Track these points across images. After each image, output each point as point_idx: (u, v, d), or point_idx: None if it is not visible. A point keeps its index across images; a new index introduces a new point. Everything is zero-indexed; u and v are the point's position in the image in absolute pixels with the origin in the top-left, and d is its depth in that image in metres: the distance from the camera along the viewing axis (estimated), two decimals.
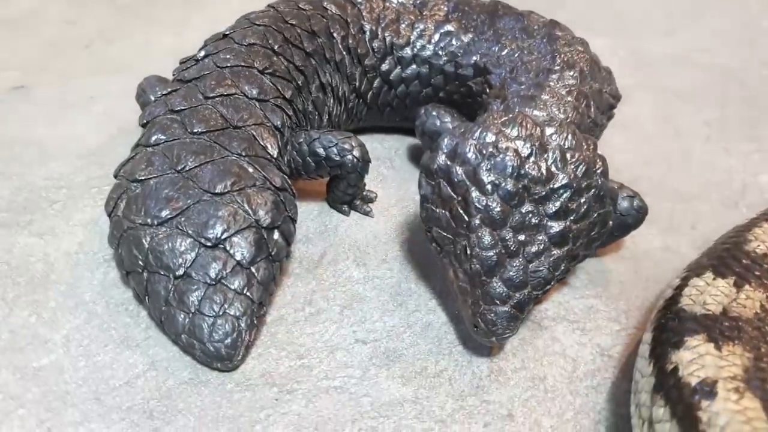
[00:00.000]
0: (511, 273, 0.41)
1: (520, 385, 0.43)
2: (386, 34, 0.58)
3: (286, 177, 0.48)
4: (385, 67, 0.59)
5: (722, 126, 0.67)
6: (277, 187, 0.46)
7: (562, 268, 0.42)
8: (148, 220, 0.43)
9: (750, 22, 0.85)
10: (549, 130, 0.43)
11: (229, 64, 0.50)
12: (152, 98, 0.52)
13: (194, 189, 0.44)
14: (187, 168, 0.44)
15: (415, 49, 0.58)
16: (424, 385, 0.42)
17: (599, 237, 0.44)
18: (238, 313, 0.41)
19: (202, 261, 0.42)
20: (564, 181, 0.41)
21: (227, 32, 0.54)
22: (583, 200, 0.42)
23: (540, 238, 0.41)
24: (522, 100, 0.45)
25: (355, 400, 0.41)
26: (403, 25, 0.59)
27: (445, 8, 0.59)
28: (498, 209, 0.41)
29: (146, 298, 0.43)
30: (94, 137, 0.61)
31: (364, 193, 0.55)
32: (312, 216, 0.54)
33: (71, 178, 0.56)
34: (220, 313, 0.41)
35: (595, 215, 0.42)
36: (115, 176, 0.47)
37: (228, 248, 0.42)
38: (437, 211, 0.43)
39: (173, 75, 0.53)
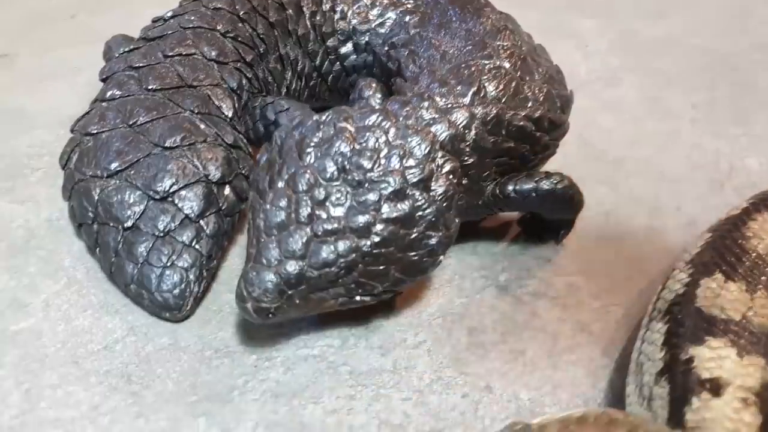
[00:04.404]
0: (290, 238, 0.38)
1: (498, 359, 0.43)
2: (353, 17, 0.57)
3: (241, 136, 0.48)
4: (343, 50, 0.57)
5: (710, 109, 0.67)
6: (229, 144, 0.46)
7: (352, 258, 0.38)
8: (98, 173, 0.44)
9: (742, 7, 0.85)
10: (404, 133, 0.41)
11: (192, 26, 0.51)
12: (116, 55, 0.53)
13: (145, 143, 0.44)
14: (138, 123, 0.45)
15: (371, 36, 0.56)
16: (403, 356, 0.42)
17: (417, 268, 0.40)
18: (186, 265, 0.42)
19: (150, 213, 0.43)
20: (386, 178, 0.39)
21: None
22: (404, 206, 0.39)
23: (339, 217, 0.38)
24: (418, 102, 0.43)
25: (334, 369, 0.41)
26: (373, 11, 0.56)
27: None
28: (305, 176, 0.39)
29: (97, 249, 0.44)
30: (77, 106, 0.60)
31: None
32: None
33: (54, 146, 0.55)
34: (168, 264, 0.42)
35: (417, 235, 0.39)
36: (71, 131, 0.47)
37: (176, 202, 0.43)
38: (259, 174, 0.41)
39: (140, 34, 0.53)
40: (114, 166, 0.44)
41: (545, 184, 0.45)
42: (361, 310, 0.43)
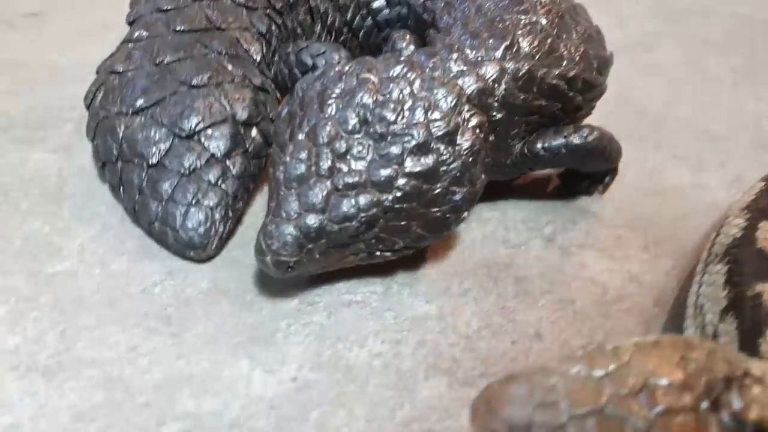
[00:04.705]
0: (310, 191, 0.37)
1: (547, 307, 0.41)
2: None
3: (269, 79, 0.47)
4: (375, 4, 0.55)
5: (750, 73, 0.66)
6: (257, 87, 0.45)
7: (373, 213, 0.37)
8: (123, 110, 0.43)
9: None
10: (430, 85, 0.39)
11: None
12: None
13: (171, 81, 0.44)
14: (165, 62, 0.45)
15: None
16: (449, 303, 0.41)
17: (440, 224, 0.39)
18: (212, 204, 0.41)
19: (176, 151, 0.42)
20: (410, 130, 0.38)
21: None
22: (428, 160, 0.38)
23: (360, 171, 0.37)
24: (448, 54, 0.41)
25: (378, 314, 0.40)
26: None
27: None
28: (326, 127, 0.38)
29: (121, 188, 0.43)
30: None
31: None
32: None
33: None
34: (194, 202, 0.41)
35: (441, 190, 0.38)
36: (97, 72, 0.46)
37: (202, 140, 0.42)
38: (280, 126, 0.40)
39: None
40: (139, 103, 0.43)
41: (575, 138, 0.44)
42: (401, 260, 0.42)
